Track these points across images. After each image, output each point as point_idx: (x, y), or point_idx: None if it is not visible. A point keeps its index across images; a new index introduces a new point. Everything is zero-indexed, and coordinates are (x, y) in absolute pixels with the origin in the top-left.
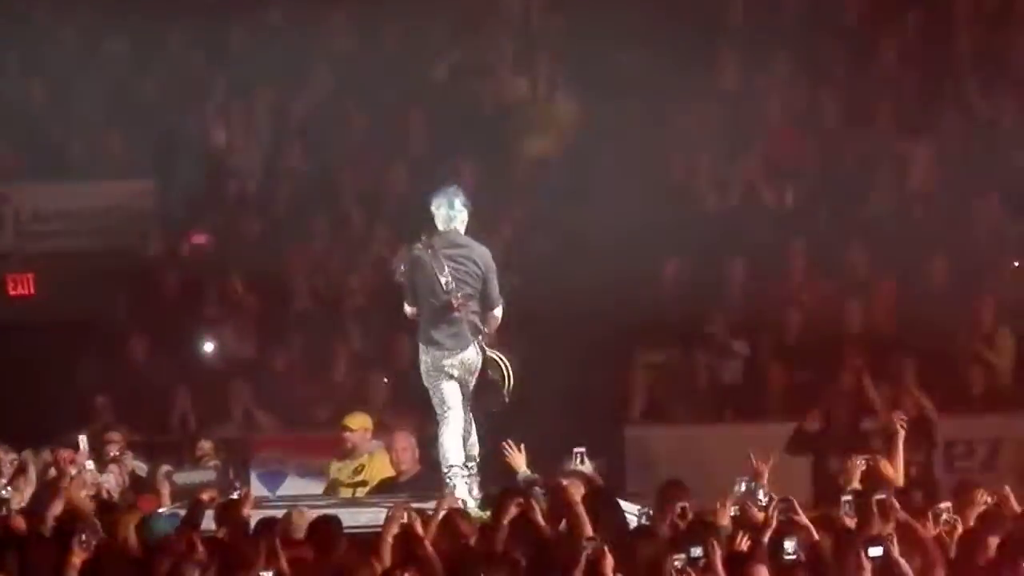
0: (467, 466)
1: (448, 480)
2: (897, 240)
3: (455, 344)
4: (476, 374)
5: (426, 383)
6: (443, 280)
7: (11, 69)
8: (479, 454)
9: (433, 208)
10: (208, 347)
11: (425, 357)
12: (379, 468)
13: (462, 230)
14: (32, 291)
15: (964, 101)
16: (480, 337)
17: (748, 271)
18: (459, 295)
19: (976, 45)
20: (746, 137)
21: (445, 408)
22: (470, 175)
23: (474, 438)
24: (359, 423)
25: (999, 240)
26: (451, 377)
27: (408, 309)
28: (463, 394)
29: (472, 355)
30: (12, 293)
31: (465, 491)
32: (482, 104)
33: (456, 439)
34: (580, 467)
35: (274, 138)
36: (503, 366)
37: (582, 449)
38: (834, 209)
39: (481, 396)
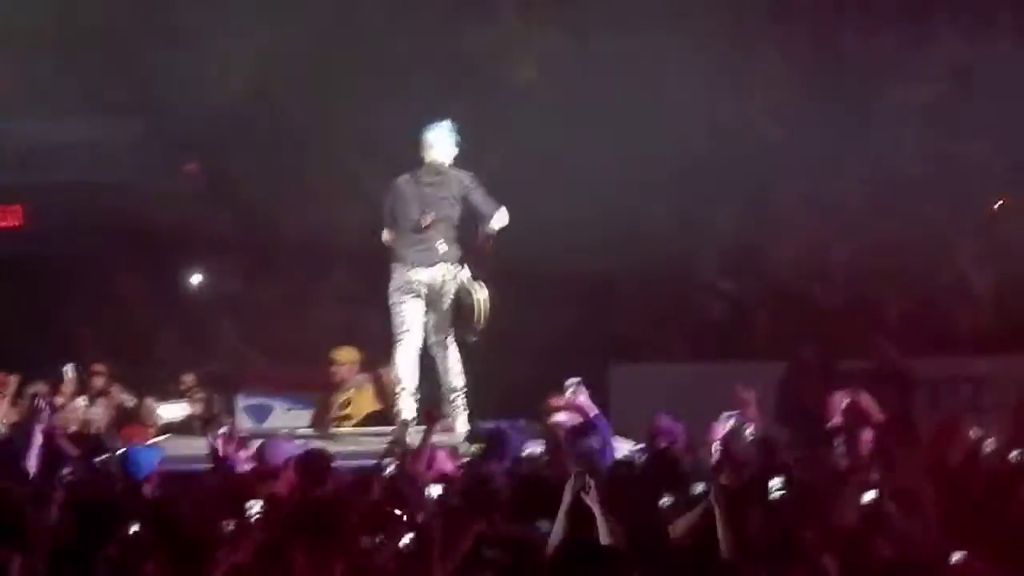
0: (451, 397)
1: (397, 397)
2: (885, 180)
3: (422, 259)
4: (449, 299)
5: (390, 303)
6: (417, 203)
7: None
8: (463, 385)
9: (426, 142)
10: (195, 281)
11: (394, 276)
12: (366, 402)
13: (448, 162)
14: (21, 223)
15: (950, 44)
16: (454, 262)
17: (736, 210)
18: (429, 216)
19: None
20: (736, 77)
21: (402, 329)
22: (460, 110)
23: (457, 367)
24: (346, 356)
25: (985, 178)
26: (417, 296)
27: (385, 235)
28: (438, 320)
29: (440, 274)
30: (0, 225)
31: (411, 408)
32: (474, 39)
33: (408, 362)
34: (573, 398)
35: (265, 72)
36: (477, 297)
37: (577, 379)
38: (823, 149)
39: (456, 325)
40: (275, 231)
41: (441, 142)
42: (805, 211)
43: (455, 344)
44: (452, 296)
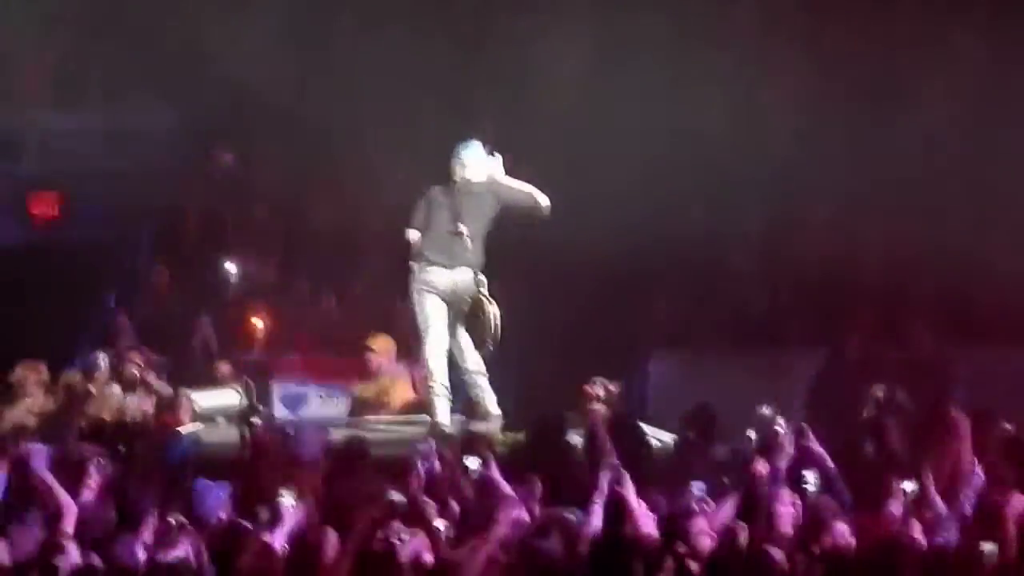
0: (475, 379)
1: (431, 396)
2: (918, 174)
3: (447, 261)
4: (465, 303)
5: (413, 300)
6: (451, 212)
7: None
8: (484, 368)
9: (460, 160)
10: (231, 272)
11: (417, 274)
12: (402, 390)
13: (482, 180)
14: (56, 211)
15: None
16: (475, 269)
17: (769, 204)
18: (463, 227)
19: None
20: (763, 78)
21: (427, 326)
22: (490, 104)
23: (474, 353)
24: (382, 345)
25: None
26: (436, 294)
27: (411, 235)
28: (455, 316)
29: (464, 279)
30: (35, 212)
31: (445, 410)
32: (502, 47)
33: (438, 358)
34: (602, 392)
35: (297, 62)
36: (491, 315)
37: (602, 378)
38: (853, 143)
39: (471, 332)
40: (308, 219)
41: (475, 161)
42: (840, 199)
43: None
44: (468, 302)
